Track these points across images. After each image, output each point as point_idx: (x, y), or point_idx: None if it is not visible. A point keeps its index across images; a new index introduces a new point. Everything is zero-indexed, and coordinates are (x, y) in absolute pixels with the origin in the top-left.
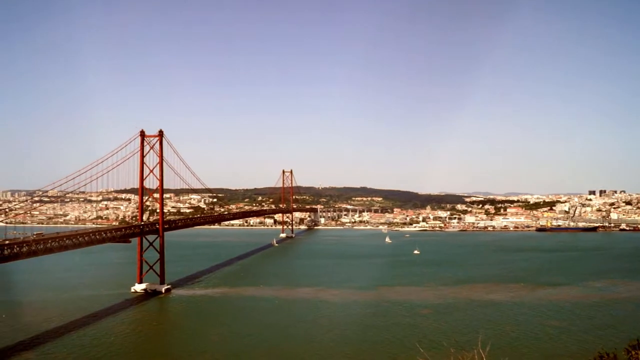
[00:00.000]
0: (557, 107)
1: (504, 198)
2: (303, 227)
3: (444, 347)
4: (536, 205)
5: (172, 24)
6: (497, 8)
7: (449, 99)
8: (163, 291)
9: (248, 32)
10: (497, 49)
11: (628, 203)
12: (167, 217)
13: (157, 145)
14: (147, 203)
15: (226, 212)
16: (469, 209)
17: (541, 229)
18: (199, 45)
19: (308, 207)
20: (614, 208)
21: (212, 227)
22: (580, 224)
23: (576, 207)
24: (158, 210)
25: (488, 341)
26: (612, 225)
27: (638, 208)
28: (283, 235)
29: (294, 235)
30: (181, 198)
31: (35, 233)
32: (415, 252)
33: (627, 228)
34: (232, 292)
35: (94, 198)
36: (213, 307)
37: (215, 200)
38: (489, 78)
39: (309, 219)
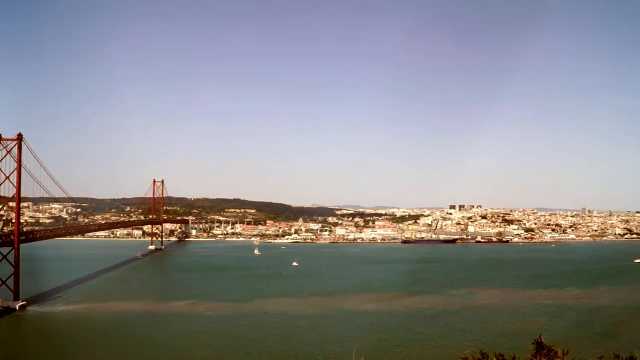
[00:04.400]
0: (425, 122)
1: (372, 211)
2: (173, 238)
3: (320, 359)
4: (402, 219)
5: None
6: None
7: (316, 115)
8: (17, 308)
9: None
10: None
11: (483, 217)
12: (25, 228)
13: (15, 150)
14: (1, 212)
15: (91, 223)
16: (340, 222)
17: (406, 241)
18: None
19: (179, 218)
20: (472, 221)
21: (75, 238)
22: (442, 236)
23: (438, 221)
24: (14, 221)
25: (362, 350)
26: (470, 237)
27: (492, 222)
28: (152, 247)
29: (163, 247)
30: (40, 207)
31: None
32: (294, 263)
33: (482, 240)
34: (97, 308)
35: None
36: (74, 324)
37: (79, 210)
38: (355, 91)
39: (179, 230)
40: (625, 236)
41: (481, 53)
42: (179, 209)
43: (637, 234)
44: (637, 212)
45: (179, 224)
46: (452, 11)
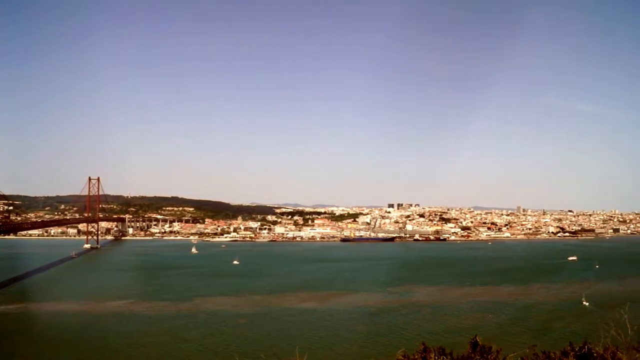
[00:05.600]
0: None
1: (312, 210)
2: (110, 237)
3: (262, 358)
4: (341, 217)
5: None
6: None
7: (255, 116)
8: None
9: None
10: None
11: (421, 215)
12: None
13: None
14: None
15: (24, 221)
16: (279, 220)
17: (345, 240)
18: None
19: (116, 216)
20: (410, 220)
21: (7, 237)
22: (380, 235)
23: (377, 219)
24: None
25: (305, 348)
26: (408, 235)
27: (430, 220)
28: (87, 245)
29: (99, 246)
30: None
31: None
32: (235, 262)
33: (420, 238)
34: (28, 308)
35: None
36: (1, 327)
37: (11, 208)
38: (291, 91)
39: (116, 229)
40: (558, 234)
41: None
42: (115, 207)
43: (569, 232)
44: (570, 211)
45: (115, 223)
46: (435, 12)
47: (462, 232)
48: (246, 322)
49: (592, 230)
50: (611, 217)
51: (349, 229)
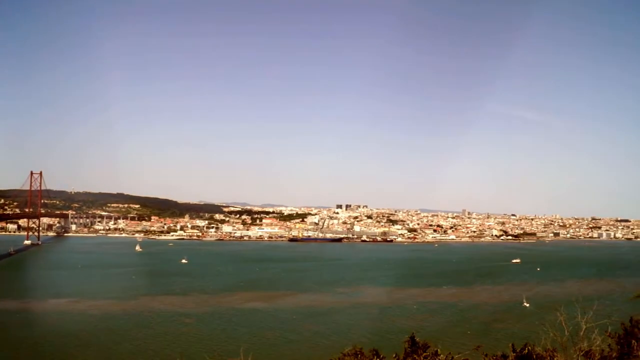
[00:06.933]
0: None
1: (260, 209)
2: (52, 233)
3: (206, 359)
4: (290, 217)
5: None
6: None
7: (203, 113)
8: None
9: None
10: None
11: (369, 217)
12: None
13: None
14: None
15: None
16: (227, 219)
17: (293, 239)
18: None
19: (58, 212)
20: (358, 221)
21: None
22: (328, 235)
23: (325, 220)
24: None
25: (250, 348)
26: (355, 236)
27: (377, 221)
28: (28, 242)
29: (40, 243)
30: None
31: None
32: (183, 261)
33: (368, 239)
34: None
35: None
36: None
37: None
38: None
39: (58, 225)
40: (501, 237)
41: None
42: (58, 202)
43: (512, 235)
44: (513, 215)
45: (58, 219)
46: (432, 20)
47: (409, 234)
48: (192, 322)
49: (534, 234)
50: (552, 221)
51: (297, 229)
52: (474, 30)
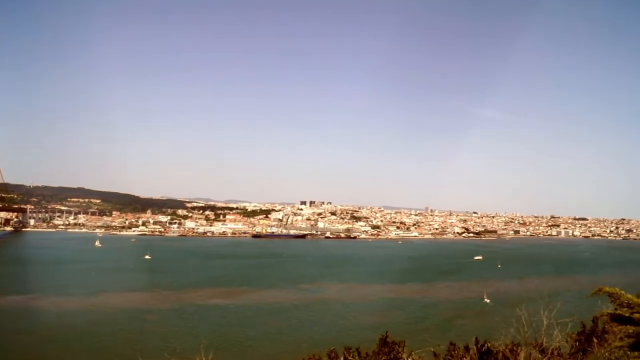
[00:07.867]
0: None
1: (224, 205)
2: (9, 228)
3: (165, 356)
4: (253, 213)
5: None
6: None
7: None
8: None
9: None
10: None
11: (333, 213)
12: None
13: None
14: None
15: None
16: (190, 215)
17: (257, 236)
18: None
19: (16, 206)
20: (321, 217)
21: None
22: (292, 232)
23: (289, 216)
24: None
25: (211, 346)
26: (319, 233)
27: (341, 218)
28: None
29: None
30: None
31: None
32: (147, 257)
33: (331, 236)
34: None
35: None
36: None
37: None
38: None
39: (16, 219)
40: (463, 235)
41: None
42: (16, 196)
43: (473, 233)
44: (474, 213)
45: (15, 213)
46: (434, 21)
47: (372, 230)
48: (154, 319)
49: (495, 232)
50: (512, 219)
51: (261, 225)
52: (471, 30)
